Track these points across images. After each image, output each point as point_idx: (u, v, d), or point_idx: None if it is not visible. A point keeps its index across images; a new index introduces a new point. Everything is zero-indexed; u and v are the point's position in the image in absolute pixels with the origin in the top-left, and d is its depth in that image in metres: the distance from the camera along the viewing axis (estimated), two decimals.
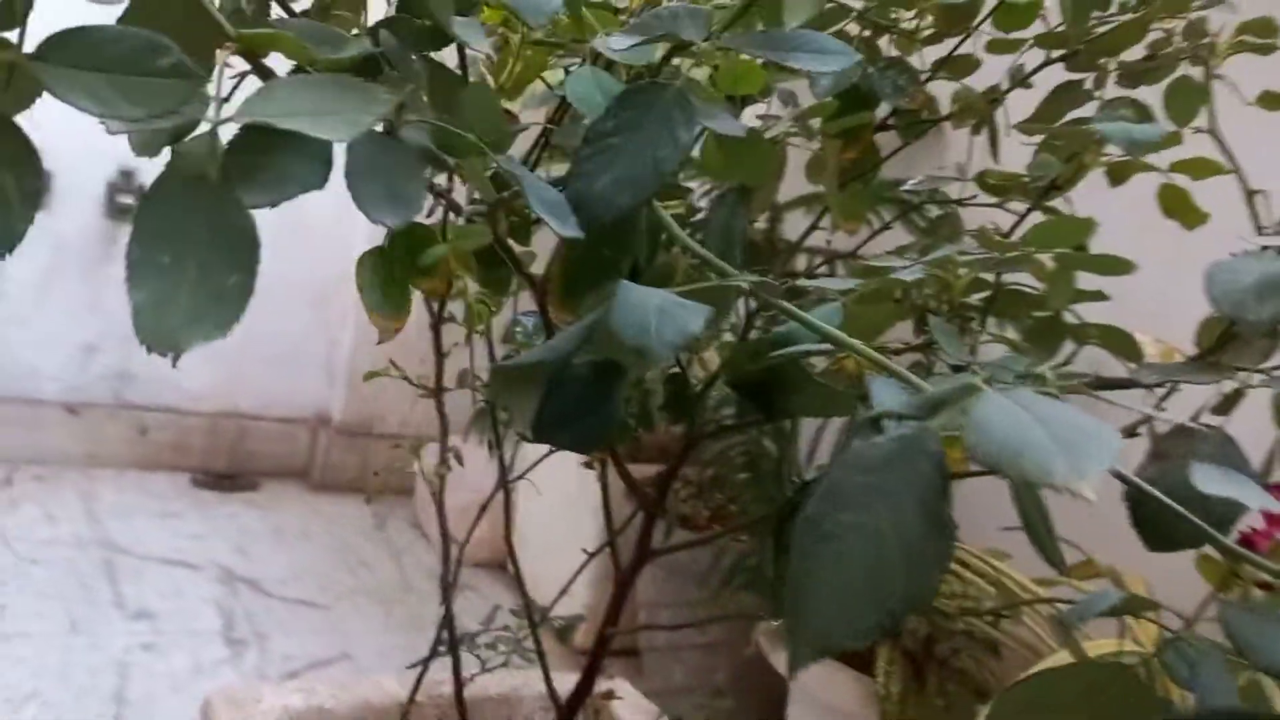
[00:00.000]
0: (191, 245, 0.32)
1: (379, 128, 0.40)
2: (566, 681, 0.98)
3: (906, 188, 0.86)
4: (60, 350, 2.57)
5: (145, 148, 0.34)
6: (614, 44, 0.46)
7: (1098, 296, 0.64)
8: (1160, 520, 0.40)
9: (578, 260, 0.47)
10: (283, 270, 2.89)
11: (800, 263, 2.16)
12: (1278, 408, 0.57)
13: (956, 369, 0.48)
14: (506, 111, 0.67)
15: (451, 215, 0.52)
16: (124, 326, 0.34)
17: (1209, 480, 0.30)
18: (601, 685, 1.08)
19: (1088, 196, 0.76)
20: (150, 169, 0.35)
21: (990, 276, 0.66)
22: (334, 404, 2.83)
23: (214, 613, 2.03)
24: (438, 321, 0.68)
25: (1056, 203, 0.74)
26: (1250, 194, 0.63)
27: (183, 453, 2.70)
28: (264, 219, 0.38)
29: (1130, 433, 0.54)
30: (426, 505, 2.56)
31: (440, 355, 0.74)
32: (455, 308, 0.86)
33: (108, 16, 0.38)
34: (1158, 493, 0.31)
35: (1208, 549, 0.36)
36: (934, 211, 0.90)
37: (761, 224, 2.10)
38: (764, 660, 1.56)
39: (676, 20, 0.44)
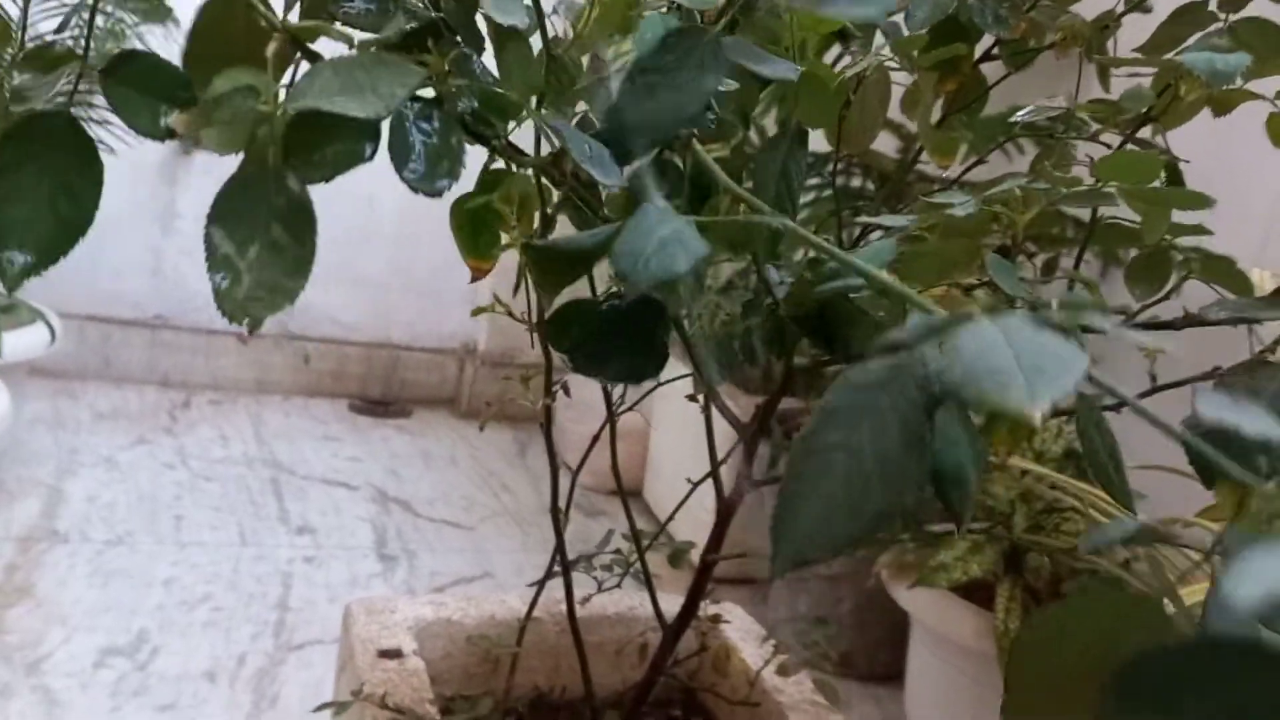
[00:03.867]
0: (254, 230, 0.36)
1: (429, 93, 0.43)
2: (677, 604, 1.03)
3: (1016, 117, 0.83)
4: None
5: (222, 146, 0.39)
6: None
7: (1198, 230, 0.62)
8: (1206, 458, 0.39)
9: (632, 199, 0.50)
10: (429, 206, 3.00)
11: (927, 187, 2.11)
12: None
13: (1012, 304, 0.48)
14: (596, 56, 0.69)
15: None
16: None
17: (1212, 406, 0.30)
18: (710, 610, 1.12)
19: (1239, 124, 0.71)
20: None
21: (1084, 211, 0.64)
22: (479, 335, 2.95)
23: (368, 530, 2.16)
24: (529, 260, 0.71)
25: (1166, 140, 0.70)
26: None
27: (341, 380, 2.87)
28: None
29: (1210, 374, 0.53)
30: (564, 434, 2.65)
31: (537, 291, 0.78)
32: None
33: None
34: (1162, 420, 0.31)
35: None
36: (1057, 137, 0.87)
37: (893, 153, 2.05)
38: (886, 592, 1.57)
39: None
